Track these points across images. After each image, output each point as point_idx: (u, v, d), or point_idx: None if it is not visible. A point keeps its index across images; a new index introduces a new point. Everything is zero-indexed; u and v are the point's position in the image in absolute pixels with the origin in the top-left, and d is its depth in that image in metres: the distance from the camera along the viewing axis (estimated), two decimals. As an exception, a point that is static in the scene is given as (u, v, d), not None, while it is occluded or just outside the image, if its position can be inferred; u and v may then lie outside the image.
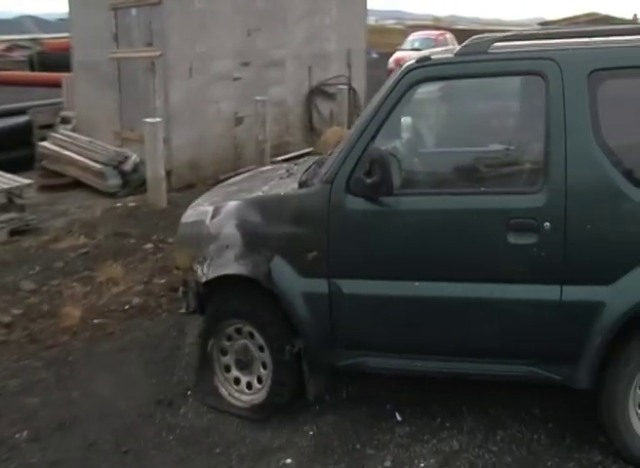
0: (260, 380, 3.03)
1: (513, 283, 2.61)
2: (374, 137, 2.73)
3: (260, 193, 3.04)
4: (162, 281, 4.67)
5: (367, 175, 2.63)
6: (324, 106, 9.49)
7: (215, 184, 7.84)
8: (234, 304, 2.99)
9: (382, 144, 2.77)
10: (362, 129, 2.76)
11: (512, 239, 2.55)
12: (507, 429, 2.91)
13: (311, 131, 9.40)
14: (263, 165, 7.90)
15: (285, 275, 2.81)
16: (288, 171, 3.37)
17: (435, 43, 18.48)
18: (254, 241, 2.88)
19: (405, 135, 2.94)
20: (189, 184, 7.39)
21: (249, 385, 3.06)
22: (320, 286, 2.80)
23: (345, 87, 9.27)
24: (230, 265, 2.90)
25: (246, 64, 7.81)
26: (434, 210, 2.69)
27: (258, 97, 7.51)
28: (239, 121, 7.92)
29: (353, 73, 9.86)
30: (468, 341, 2.71)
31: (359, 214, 2.72)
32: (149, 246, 5.46)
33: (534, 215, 2.54)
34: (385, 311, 2.77)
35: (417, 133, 2.99)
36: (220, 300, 3.02)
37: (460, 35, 23.40)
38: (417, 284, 2.71)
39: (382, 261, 2.73)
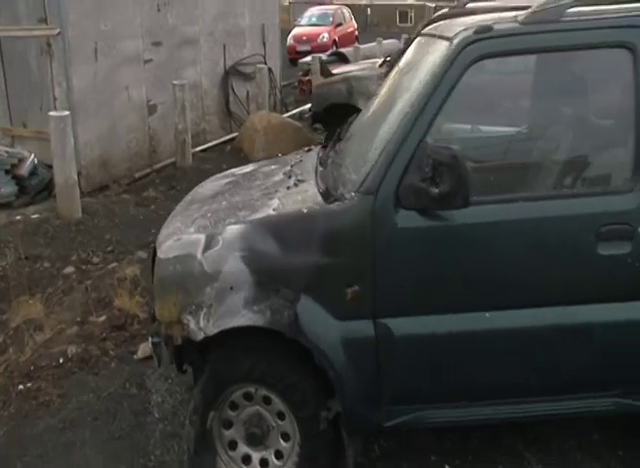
0: (279, 455, 2.32)
1: (604, 302, 2.14)
2: (427, 132, 2.10)
3: (271, 211, 2.26)
4: (101, 318, 3.72)
5: (431, 183, 1.99)
6: (240, 88, 8.62)
7: (129, 184, 7.04)
8: (244, 364, 2.22)
9: (439, 140, 2.15)
10: (410, 121, 2.10)
11: (602, 250, 2.08)
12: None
13: (229, 116, 8.52)
14: (185, 158, 7.00)
15: (316, 320, 2.12)
16: (288, 174, 2.63)
17: (333, 18, 17.99)
18: (269, 278, 2.14)
19: (465, 126, 2.31)
20: (101, 186, 6.28)
21: (263, 463, 2.34)
22: (364, 329, 2.16)
23: (264, 66, 8.45)
24: (239, 314, 2.12)
25: (157, 44, 6.73)
26: (512, 220, 2.13)
27: (175, 82, 6.51)
28: (153, 109, 6.86)
29: (268, 51, 9.04)
30: (549, 376, 2.22)
31: (416, 232, 2.11)
32: (70, 270, 4.43)
33: (626, 220, 2.07)
34: (448, 351, 2.19)
35: (480, 123, 2.38)
36: (223, 360, 2.25)
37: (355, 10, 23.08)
38: (487, 315, 2.17)
39: (445, 291, 2.15)
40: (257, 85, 8.45)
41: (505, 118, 2.36)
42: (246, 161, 7.36)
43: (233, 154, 7.52)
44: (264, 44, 8.91)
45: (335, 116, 6.69)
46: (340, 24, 17.09)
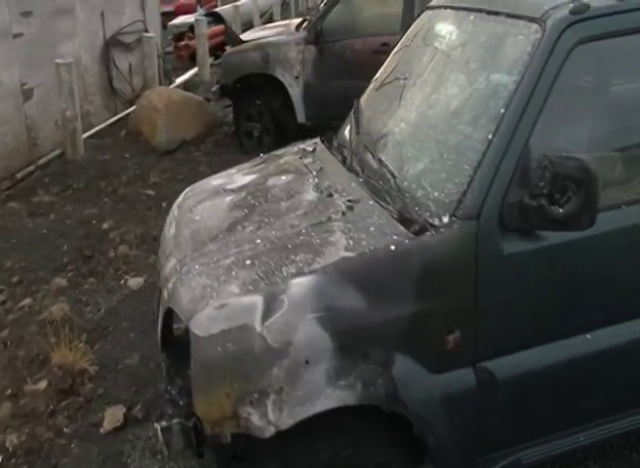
0: None
1: None
2: (530, 137, 1.74)
3: (343, 252, 1.75)
4: (40, 385, 2.93)
5: (550, 201, 1.66)
6: (122, 61, 7.54)
7: (11, 187, 5.79)
8: (326, 452, 1.76)
9: (542, 145, 1.76)
10: (512, 125, 1.73)
11: None
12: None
13: (113, 94, 7.45)
14: (76, 149, 5.97)
15: (415, 381, 1.74)
16: (324, 190, 2.09)
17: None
18: (355, 340, 1.69)
19: (569, 124, 1.92)
20: (-25, 197, 5.19)
21: None
22: (464, 379, 1.82)
23: (150, 34, 7.42)
24: (323, 394, 1.65)
25: (27, 14, 5.53)
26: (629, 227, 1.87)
27: (59, 60, 5.42)
28: (28, 94, 5.71)
29: (148, 16, 7.98)
30: None
31: (524, 257, 1.79)
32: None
33: None
34: (550, 384, 1.93)
35: (589, 119, 1.99)
36: (298, 452, 1.76)
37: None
38: (588, 336, 1.93)
39: (550, 318, 1.88)
40: (141, 56, 7.44)
41: (615, 110, 2.03)
42: (148, 147, 6.50)
43: (131, 139, 6.59)
44: (144, 9, 7.83)
45: (248, 88, 6.06)
46: (202, -20, 15.82)
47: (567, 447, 2.05)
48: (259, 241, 1.90)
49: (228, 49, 6.12)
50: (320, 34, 5.61)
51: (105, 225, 4.67)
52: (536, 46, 1.79)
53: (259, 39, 5.99)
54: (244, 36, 6.20)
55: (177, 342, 1.92)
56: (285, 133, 6.12)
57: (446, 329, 1.75)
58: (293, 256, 1.79)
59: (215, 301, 1.72)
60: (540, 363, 1.89)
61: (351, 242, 1.79)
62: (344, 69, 5.71)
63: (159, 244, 2.50)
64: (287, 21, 7.03)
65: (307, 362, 1.65)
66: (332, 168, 2.29)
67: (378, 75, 2.72)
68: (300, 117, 5.97)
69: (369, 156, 2.25)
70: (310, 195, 2.11)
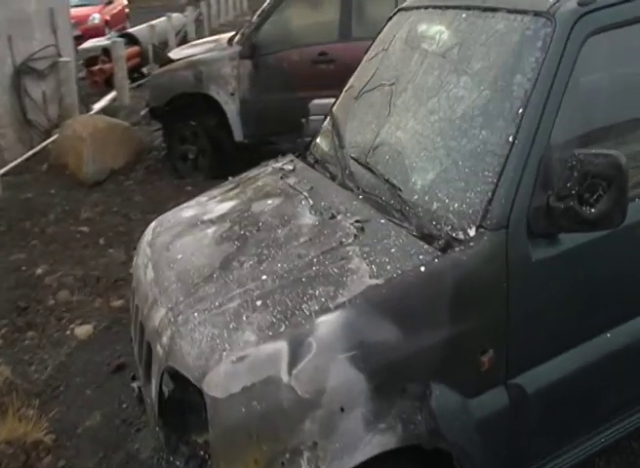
0: None
1: None
2: (550, 137, 1.66)
3: (368, 279, 1.56)
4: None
5: (580, 202, 1.57)
6: (35, 89, 7.00)
7: None
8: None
9: (564, 143, 1.68)
10: (533, 126, 1.64)
11: None
12: None
13: (27, 125, 6.89)
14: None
15: (452, 410, 1.60)
16: (324, 212, 1.90)
17: None
18: (391, 377, 1.52)
19: (587, 118, 1.81)
20: None
21: None
22: (497, 399, 1.71)
23: (64, 59, 6.92)
24: (362, 442, 1.46)
25: None
26: None
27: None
28: None
29: (60, 40, 7.48)
30: None
31: (551, 262, 1.71)
32: None
33: None
34: (577, 389, 1.87)
35: (605, 111, 1.88)
36: None
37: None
38: (608, 335, 1.89)
39: (574, 323, 1.82)
40: (56, 83, 6.96)
41: (631, 100, 1.95)
42: (75, 180, 6.02)
43: (55, 173, 6.08)
44: (55, 33, 7.32)
45: (180, 108, 5.75)
46: (110, 2, 15.18)
47: (589, 451, 1.97)
48: (264, 277, 1.67)
49: (146, 69, 5.79)
50: (255, 48, 5.42)
51: (39, 270, 4.21)
52: (547, 41, 1.70)
53: (189, 57, 5.71)
54: (171, 55, 5.89)
55: (176, 403, 1.64)
56: (222, 153, 5.89)
57: (480, 349, 1.64)
58: (311, 291, 1.57)
59: (230, 354, 1.48)
60: (566, 370, 1.83)
61: (374, 267, 1.60)
62: (282, 82, 5.56)
63: (133, 291, 2.21)
64: (216, 37, 6.78)
65: (342, 409, 1.46)
66: (322, 186, 2.10)
67: (352, 83, 2.57)
68: (238, 135, 5.74)
69: (361, 170, 2.08)
70: (309, 219, 1.90)
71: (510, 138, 1.66)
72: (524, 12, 1.82)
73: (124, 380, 3.19)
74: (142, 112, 6.02)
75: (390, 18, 2.56)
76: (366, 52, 2.63)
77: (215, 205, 2.26)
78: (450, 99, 1.90)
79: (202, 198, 2.41)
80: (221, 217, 2.11)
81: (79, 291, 3.97)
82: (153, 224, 2.39)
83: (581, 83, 1.74)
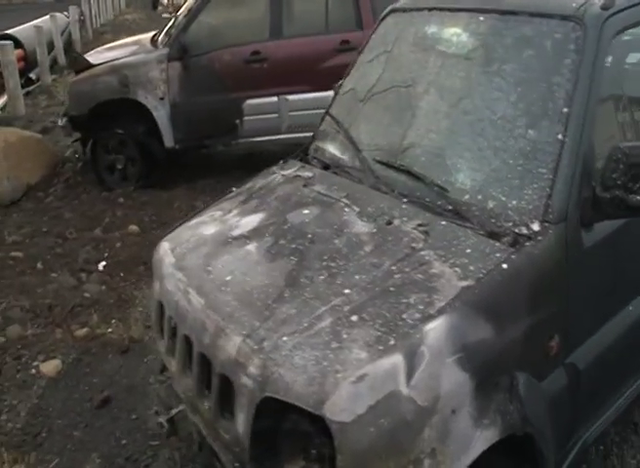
0: None
1: None
2: (591, 133, 1.84)
3: (458, 282, 1.63)
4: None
5: (625, 190, 1.76)
6: None
7: None
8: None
9: (606, 138, 1.85)
10: (579, 124, 1.80)
11: None
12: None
13: None
14: None
15: (533, 396, 1.72)
16: (372, 217, 1.95)
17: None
18: (487, 373, 1.60)
19: (623, 113, 1.97)
20: None
21: None
22: (558, 380, 1.88)
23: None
24: (473, 440, 1.54)
25: None
26: None
27: None
28: None
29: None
30: None
31: (597, 246, 1.90)
32: None
33: None
34: (613, 357, 2.07)
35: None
36: None
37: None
38: (630, 307, 2.13)
39: (613, 297, 2.06)
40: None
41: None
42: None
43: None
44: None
45: (103, 116, 5.47)
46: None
47: (628, 401, 2.22)
48: (347, 291, 1.67)
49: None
50: (184, 49, 5.28)
51: (-25, 306, 3.87)
52: (580, 43, 1.86)
53: (111, 61, 5.44)
54: (91, 59, 5.57)
55: (271, 435, 1.61)
56: (152, 161, 5.69)
57: (548, 335, 1.79)
58: (404, 300, 1.60)
59: (346, 375, 1.47)
60: (605, 342, 2.03)
61: (458, 269, 1.67)
62: (214, 83, 5.46)
63: (171, 321, 2.08)
64: (135, 38, 6.48)
65: (453, 411, 1.53)
66: (357, 192, 2.12)
67: (350, 85, 2.59)
68: (168, 141, 5.56)
69: (392, 173, 2.14)
70: (363, 226, 1.92)
71: (560, 136, 1.80)
72: (549, 16, 1.96)
73: (114, 415, 3.03)
74: (61, 122, 5.65)
75: (383, 18, 2.62)
76: (359, 53, 2.67)
77: (237, 219, 2.21)
78: (485, 101, 2.00)
79: (214, 212, 2.34)
80: (256, 232, 2.07)
81: (32, 323, 3.68)
82: (167, 245, 2.27)
83: (615, 79, 1.91)
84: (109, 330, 3.61)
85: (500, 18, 2.09)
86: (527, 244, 1.73)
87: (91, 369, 3.32)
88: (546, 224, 1.76)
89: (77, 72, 5.51)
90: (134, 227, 4.87)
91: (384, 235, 1.86)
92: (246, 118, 5.62)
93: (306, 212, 2.08)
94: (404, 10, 2.51)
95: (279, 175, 2.47)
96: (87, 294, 3.95)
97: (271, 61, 5.47)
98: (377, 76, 2.43)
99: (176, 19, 5.68)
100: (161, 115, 5.45)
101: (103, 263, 4.37)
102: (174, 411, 2.25)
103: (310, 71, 5.55)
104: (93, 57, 5.64)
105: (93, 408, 3.04)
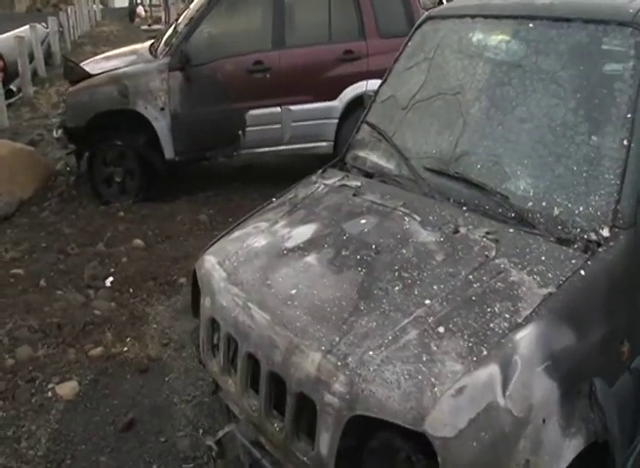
0: None
1: None
2: None
3: (539, 289, 1.63)
4: None
5: None
6: None
7: None
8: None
9: None
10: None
11: None
12: None
13: None
14: None
15: (609, 402, 1.71)
16: (437, 226, 1.94)
17: None
18: (571, 381, 1.61)
19: None
20: None
21: None
22: (626, 385, 1.88)
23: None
24: (563, 450, 1.54)
25: None
26: None
27: None
28: None
29: None
30: None
31: None
32: None
33: None
34: None
35: None
36: None
37: None
38: None
39: None
40: None
41: None
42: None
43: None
44: None
45: (101, 128, 5.41)
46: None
47: None
48: (428, 302, 1.66)
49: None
50: (186, 58, 5.25)
51: (-22, 327, 3.76)
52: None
53: (109, 71, 5.38)
54: (88, 69, 5.50)
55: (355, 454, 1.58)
56: (152, 173, 5.63)
57: (619, 340, 1.80)
58: (489, 309, 1.60)
59: (444, 388, 1.46)
60: None
61: (536, 277, 1.68)
62: (217, 94, 5.45)
63: (222, 339, 2.03)
64: (132, 47, 6.43)
65: (544, 421, 1.52)
66: (413, 200, 2.11)
67: (389, 93, 2.59)
68: (169, 153, 5.53)
69: (446, 180, 2.14)
70: (428, 235, 1.92)
71: (625, 142, 1.82)
72: (605, 22, 1.99)
73: (140, 438, 2.96)
74: (56, 134, 5.56)
75: (419, 26, 2.63)
76: (395, 60, 2.68)
77: (287, 230, 2.19)
78: (542, 108, 2.02)
79: (258, 224, 2.31)
80: (313, 243, 2.05)
81: (42, 343, 3.58)
82: (213, 259, 2.23)
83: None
84: (125, 348, 3.54)
85: (551, 24, 2.12)
86: (600, 250, 1.74)
87: (110, 390, 3.25)
88: (616, 230, 1.77)
89: (73, 83, 5.43)
90: (138, 241, 4.80)
91: (453, 244, 1.86)
92: (248, 129, 5.61)
93: (363, 221, 2.07)
94: (442, 17, 2.54)
95: (321, 184, 2.45)
96: (97, 312, 3.87)
97: (274, 71, 5.49)
98: (419, 83, 2.44)
99: (175, 28, 5.65)
100: (161, 126, 5.41)
101: (111, 279, 4.29)
102: (221, 433, 2.21)
103: (313, 81, 5.59)
104: (89, 66, 5.58)
105: (117, 431, 2.96)
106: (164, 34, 6.01)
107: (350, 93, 5.64)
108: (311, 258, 1.99)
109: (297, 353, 1.71)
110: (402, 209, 2.08)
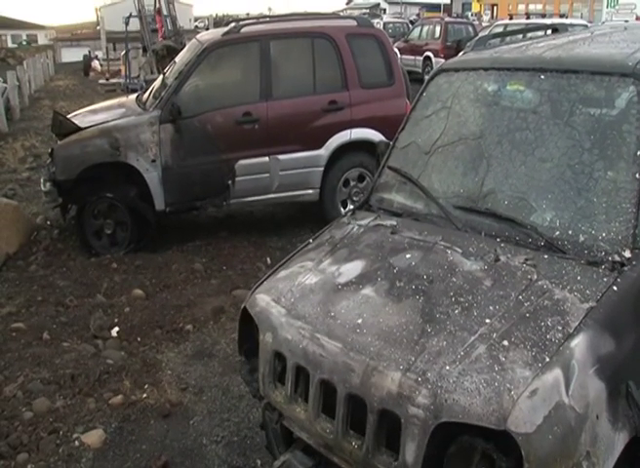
0: None
1: None
2: None
3: (580, 304, 1.93)
4: None
5: None
6: None
7: None
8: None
9: None
10: None
11: None
12: None
13: None
14: None
15: None
16: (479, 256, 2.24)
17: None
18: (615, 381, 1.88)
19: None
20: None
21: None
22: None
23: None
24: (613, 443, 1.82)
25: None
26: None
27: None
28: None
29: None
30: None
31: None
32: None
33: None
34: None
35: None
36: None
37: None
38: None
39: None
40: None
41: None
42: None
43: None
44: None
45: (90, 181, 5.58)
46: None
47: None
48: (488, 321, 1.94)
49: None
50: (176, 111, 5.52)
51: (-9, 385, 3.79)
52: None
53: (99, 124, 5.60)
54: (78, 121, 5.69)
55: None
56: (143, 224, 5.80)
57: None
58: (542, 323, 1.89)
59: (519, 392, 1.72)
60: None
61: (577, 294, 1.98)
62: (207, 145, 5.73)
63: (290, 370, 2.22)
64: (117, 100, 6.67)
65: (597, 417, 1.80)
66: (449, 235, 2.40)
67: (410, 139, 2.89)
68: (159, 204, 5.73)
69: (476, 217, 2.45)
70: (473, 265, 2.20)
71: (637, 175, 2.17)
72: (609, 73, 2.38)
73: (177, 479, 3.08)
74: (44, 188, 5.69)
75: (432, 78, 2.99)
76: (412, 110, 3.01)
77: (335, 267, 2.43)
78: (560, 148, 2.37)
79: (303, 263, 2.54)
80: (365, 277, 2.30)
81: (58, 395, 3.67)
82: (266, 297, 2.44)
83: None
84: (144, 395, 3.66)
85: (560, 76, 2.49)
86: (625, 269, 2.05)
87: (136, 436, 3.36)
88: (637, 251, 2.09)
89: (61, 136, 5.61)
90: (138, 292, 4.94)
91: (498, 270, 2.15)
92: (238, 179, 5.88)
93: (409, 256, 2.35)
94: (456, 70, 2.90)
95: (355, 225, 2.72)
96: (110, 361, 3.98)
97: (262, 122, 5.82)
98: (440, 130, 2.77)
99: (163, 80, 5.94)
100: (152, 177, 5.63)
101: (117, 329, 4.41)
102: (278, 463, 2.38)
103: (300, 131, 5.94)
104: (77, 120, 5.78)
105: (154, 470, 3.09)
106: (150, 87, 6.30)
107: (335, 141, 6.05)
108: (368, 291, 2.24)
109: (375, 374, 1.94)
110: (442, 243, 2.37)
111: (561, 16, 30.61)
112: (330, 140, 6.02)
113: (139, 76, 15.36)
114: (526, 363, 1.79)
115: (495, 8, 47.90)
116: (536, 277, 2.08)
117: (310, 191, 6.15)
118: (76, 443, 3.30)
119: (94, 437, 3.33)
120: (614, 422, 1.83)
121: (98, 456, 3.21)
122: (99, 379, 3.80)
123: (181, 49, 7.99)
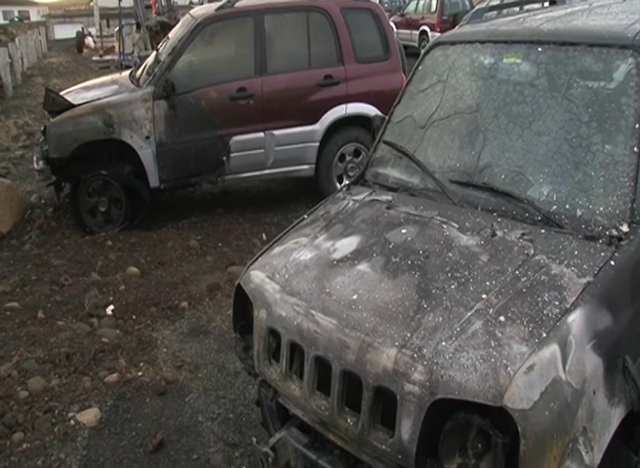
0: None
1: None
2: None
3: (578, 279, 1.90)
4: None
5: None
6: None
7: None
8: None
9: None
10: None
11: None
12: None
13: None
14: None
15: (638, 374, 1.96)
16: (476, 230, 2.20)
17: None
18: (612, 356, 1.86)
19: None
20: None
21: None
22: None
23: None
24: (610, 417, 1.81)
25: None
26: None
27: None
28: None
29: None
30: None
31: None
32: None
33: None
34: None
35: None
36: None
37: None
38: None
39: None
40: None
41: None
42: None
43: None
44: None
45: (84, 158, 5.51)
46: None
47: None
48: (484, 296, 1.91)
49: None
50: (170, 87, 5.44)
51: (-16, 364, 3.78)
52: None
53: (92, 101, 5.51)
54: (70, 98, 5.61)
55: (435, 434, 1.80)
56: (137, 201, 5.75)
57: None
58: (539, 299, 1.86)
59: (516, 367, 1.69)
60: None
61: (574, 269, 1.95)
62: (201, 121, 5.66)
63: (284, 347, 2.20)
64: (110, 77, 6.57)
65: (594, 392, 1.78)
66: (445, 209, 2.37)
67: (405, 113, 2.85)
68: (154, 181, 5.68)
69: (472, 190, 2.41)
70: (469, 240, 2.17)
71: (636, 149, 2.13)
72: (608, 45, 2.32)
73: (172, 457, 3.07)
74: (37, 166, 5.62)
75: (428, 51, 2.93)
76: (407, 84, 2.95)
77: (330, 243, 2.40)
78: (557, 122, 2.32)
79: (297, 239, 2.51)
80: (361, 253, 2.27)
81: (53, 373, 3.66)
82: (260, 274, 2.41)
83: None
84: (140, 373, 3.65)
85: (558, 48, 2.44)
86: (622, 243, 2.02)
87: (132, 414, 3.36)
88: (634, 225, 2.05)
89: (54, 114, 5.52)
90: (134, 269, 4.91)
91: (494, 245, 2.12)
92: (232, 155, 5.82)
93: (404, 231, 2.31)
94: (452, 43, 2.84)
95: (350, 200, 2.68)
96: (105, 340, 3.97)
97: (257, 98, 5.74)
98: (436, 104, 2.72)
99: (157, 57, 5.84)
100: (146, 154, 5.56)
101: (112, 307, 4.39)
102: (273, 440, 2.37)
103: (295, 106, 5.87)
104: (69, 97, 5.69)
105: (147, 452, 3.07)
106: (143, 64, 6.20)
107: (331, 116, 5.98)
108: (364, 267, 2.21)
109: (370, 351, 1.91)
110: (438, 218, 2.33)
111: (559, -11, 30.24)
112: (325, 115, 5.95)
113: (132, 52, 15.19)
114: (522, 338, 1.76)
115: (492, -18, 47.37)
116: (532, 252, 2.05)
117: (306, 166, 6.09)
118: (72, 421, 3.30)
119: (89, 415, 3.33)
120: (610, 397, 1.81)
121: (93, 435, 3.21)
122: (94, 358, 3.78)
123: (175, 24, 7.87)
